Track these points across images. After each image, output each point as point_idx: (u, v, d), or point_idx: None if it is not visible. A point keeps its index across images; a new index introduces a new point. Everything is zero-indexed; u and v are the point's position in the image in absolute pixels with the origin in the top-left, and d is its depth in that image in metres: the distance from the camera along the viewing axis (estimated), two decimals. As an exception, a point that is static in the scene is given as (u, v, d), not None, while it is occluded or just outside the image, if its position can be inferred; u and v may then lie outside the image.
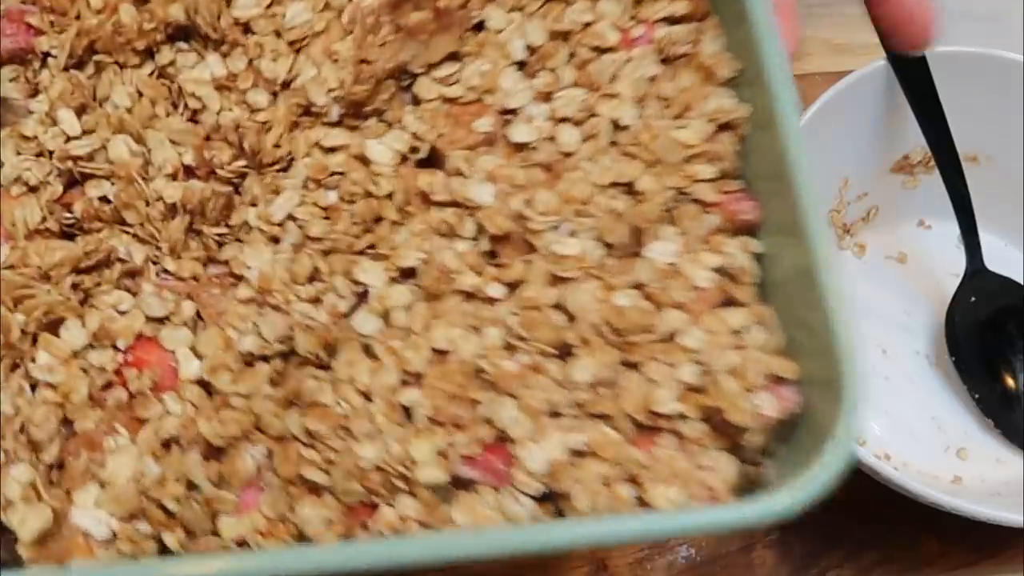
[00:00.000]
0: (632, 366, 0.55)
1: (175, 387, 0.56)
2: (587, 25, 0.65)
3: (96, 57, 0.64)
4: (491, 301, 0.58)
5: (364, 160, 0.61)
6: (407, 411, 0.55)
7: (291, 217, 0.59)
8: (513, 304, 0.57)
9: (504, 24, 0.65)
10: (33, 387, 0.56)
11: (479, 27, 0.65)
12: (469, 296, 0.58)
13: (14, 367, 0.57)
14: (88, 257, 0.57)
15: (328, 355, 0.56)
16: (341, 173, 0.60)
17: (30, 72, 0.64)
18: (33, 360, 0.56)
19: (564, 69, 0.63)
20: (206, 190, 0.59)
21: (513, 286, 0.58)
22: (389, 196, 0.59)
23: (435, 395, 0.55)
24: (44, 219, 0.60)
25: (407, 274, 0.58)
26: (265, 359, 0.56)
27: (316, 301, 0.57)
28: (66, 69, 0.64)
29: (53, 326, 0.57)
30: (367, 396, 0.55)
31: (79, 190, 0.62)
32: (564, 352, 0.56)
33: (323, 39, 0.65)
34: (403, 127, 0.62)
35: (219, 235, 0.59)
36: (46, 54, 0.64)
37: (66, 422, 0.55)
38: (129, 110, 0.62)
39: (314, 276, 0.58)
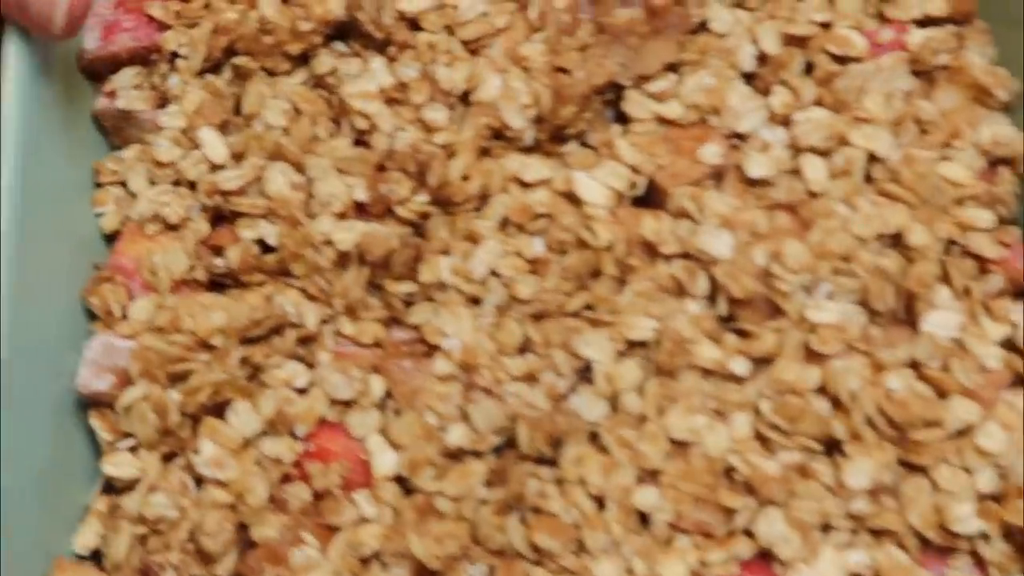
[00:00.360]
0: (915, 468, 0.46)
1: (369, 484, 0.47)
2: (824, 26, 0.54)
3: (236, 60, 0.52)
4: (736, 380, 0.49)
5: (572, 198, 0.50)
6: (642, 515, 0.47)
7: (493, 272, 0.49)
8: (764, 385, 0.48)
9: (731, 26, 0.53)
10: (198, 482, 0.47)
11: (697, 28, 0.54)
12: (708, 372, 0.49)
13: (170, 457, 0.48)
14: (258, 326, 0.47)
15: (550, 447, 0.47)
16: (546, 215, 0.50)
17: (156, 76, 0.53)
18: (196, 451, 0.47)
19: (803, 83, 0.52)
20: (391, 238, 0.48)
21: (760, 360, 0.49)
22: (608, 247, 0.49)
23: (677, 498, 0.46)
24: (192, 267, 0.50)
25: (634, 344, 0.49)
26: (476, 454, 0.47)
27: (531, 379, 0.48)
28: (200, 74, 0.53)
29: (218, 408, 0.47)
30: (600, 500, 0.46)
31: (227, 228, 0.51)
32: (830, 447, 0.47)
33: (505, 38, 0.54)
34: (615, 156, 0.51)
35: (406, 293, 0.49)
36: (174, 54, 0.53)
37: (241, 526, 0.47)
38: (285, 130, 0.51)
39: (525, 347, 0.49)
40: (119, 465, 0.47)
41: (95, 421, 0.48)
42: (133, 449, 0.47)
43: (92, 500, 0.48)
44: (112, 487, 0.48)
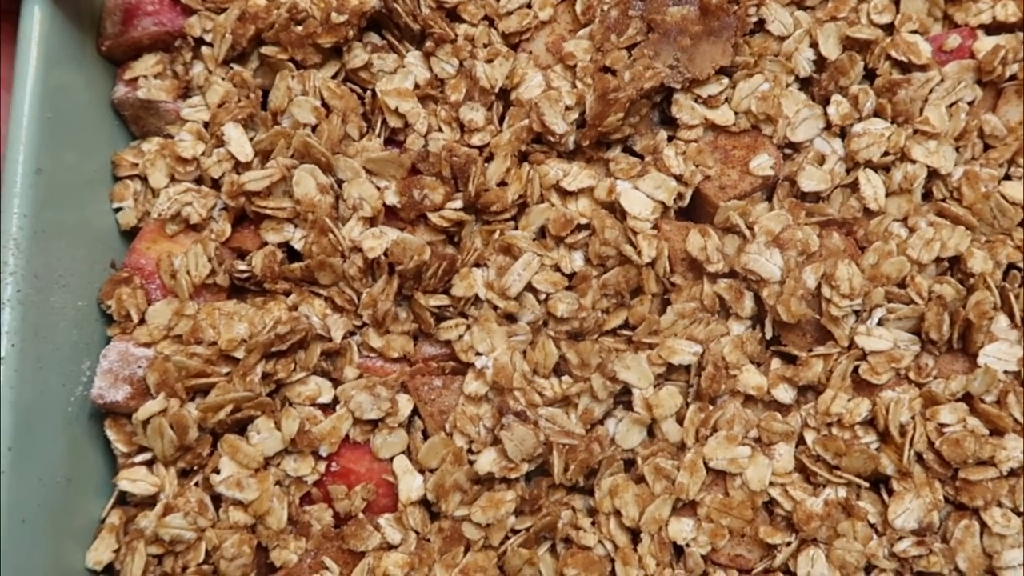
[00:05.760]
0: (965, 508, 0.45)
1: (394, 508, 0.45)
2: (887, 29, 0.51)
3: (263, 50, 0.49)
4: (780, 408, 0.47)
5: (614, 208, 0.48)
6: (676, 546, 0.45)
7: (529, 286, 0.47)
8: (810, 414, 0.46)
9: (790, 28, 0.50)
10: (216, 501, 0.45)
11: (753, 29, 0.51)
12: (751, 399, 0.47)
13: (187, 473, 0.46)
14: (282, 340, 0.45)
15: (584, 476, 0.45)
16: (587, 227, 0.48)
17: (179, 64, 0.50)
18: (217, 471, 0.45)
19: (863, 92, 0.49)
20: (423, 249, 0.46)
21: (806, 388, 0.47)
22: (651, 263, 0.47)
23: (714, 531, 0.44)
24: (212, 271, 0.47)
25: (674, 367, 0.47)
26: (507, 480, 0.45)
27: (566, 402, 0.46)
28: (225, 63, 0.50)
29: (238, 424, 0.45)
30: (634, 532, 0.45)
31: (249, 229, 0.49)
32: (876, 482, 0.45)
33: (548, 31, 0.51)
34: (662, 165, 0.48)
35: (438, 307, 0.47)
36: (199, 41, 0.50)
37: (260, 547, 0.45)
38: (314, 128, 0.48)
39: (560, 368, 0.46)
40: (135, 481, 0.45)
41: (111, 432, 0.46)
42: (149, 463, 0.46)
43: (106, 513, 0.46)
44: (126, 499, 0.46)
